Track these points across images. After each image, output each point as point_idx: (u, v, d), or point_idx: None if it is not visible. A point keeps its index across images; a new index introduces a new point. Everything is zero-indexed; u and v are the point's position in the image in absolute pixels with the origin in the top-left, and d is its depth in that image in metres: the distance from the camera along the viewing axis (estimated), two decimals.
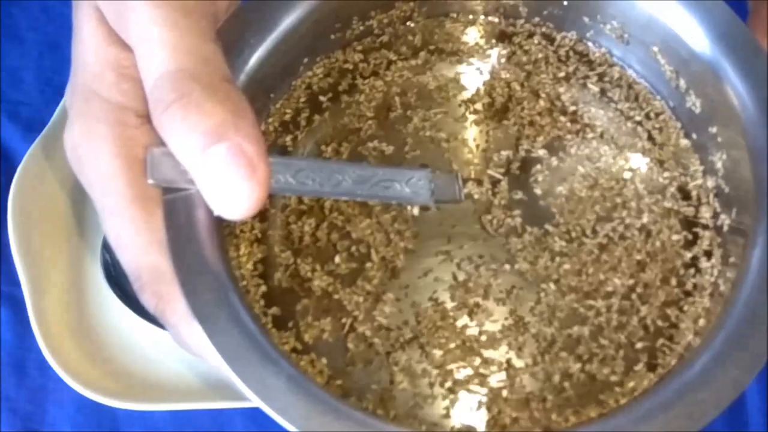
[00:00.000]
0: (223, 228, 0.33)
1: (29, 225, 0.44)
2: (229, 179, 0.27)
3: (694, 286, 0.36)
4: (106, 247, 0.44)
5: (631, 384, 0.33)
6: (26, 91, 0.50)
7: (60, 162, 0.45)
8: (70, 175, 0.45)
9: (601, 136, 0.39)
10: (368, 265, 0.36)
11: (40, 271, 0.43)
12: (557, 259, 0.36)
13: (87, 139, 0.32)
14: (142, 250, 0.31)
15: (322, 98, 0.39)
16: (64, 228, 0.45)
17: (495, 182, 0.38)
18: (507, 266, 0.36)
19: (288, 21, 0.37)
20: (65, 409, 0.44)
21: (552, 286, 0.36)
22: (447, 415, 0.34)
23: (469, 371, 0.34)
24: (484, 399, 0.34)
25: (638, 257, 0.36)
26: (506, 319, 0.35)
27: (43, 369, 0.43)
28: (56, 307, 0.43)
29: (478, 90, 0.40)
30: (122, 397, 0.41)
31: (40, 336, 0.42)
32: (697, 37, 0.36)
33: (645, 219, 0.37)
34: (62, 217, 0.45)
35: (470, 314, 0.35)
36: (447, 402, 0.34)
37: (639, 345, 0.35)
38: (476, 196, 0.37)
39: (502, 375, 0.34)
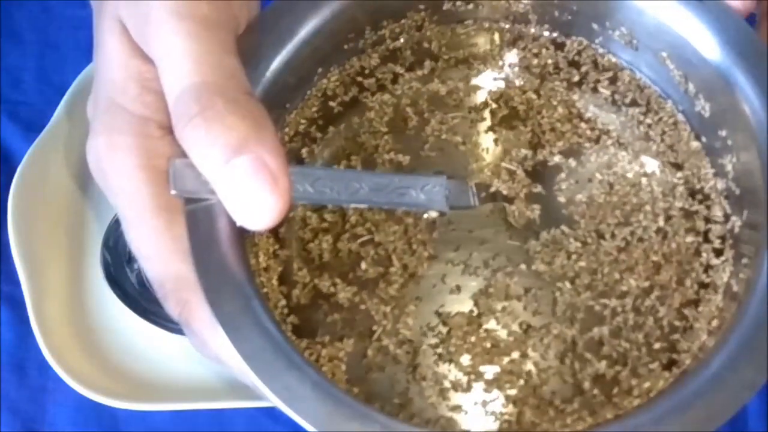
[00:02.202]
0: (244, 237, 0.33)
1: (29, 225, 0.44)
2: (252, 191, 0.28)
3: (708, 286, 0.36)
4: (107, 247, 0.44)
5: (647, 384, 0.34)
6: (26, 91, 0.50)
7: (60, 162, 0.45)
8: (69, 176, 0.46)
9: (618, 141, 0.39)
10: (392, 269, 0.36)
11: (40, 271, 0.43)
12: (573, 257, 0.36)
13: (110, 151, 0.32)
14: (166, 259, 0.32)
15: (336, 105, 0.40)
16: (64, 228, 0.45)
17: (512, 174, 0.38)
18: (523, 266, 0.36)
19: (302, 33, 0.37)
20: (65, 409, 0.44)
21: (567, 284, 0.36)
22: (468, 418, 0.34)
23: (497, 369, 0.35)
24: (509, 400, 0.34)
25: (655, 258, 0.36)
26: (521, 324, 0.35)
27: (43, 369, 0.43)
28: (56, 307, 0.43)
29: (492, 95, 0.40)
30: (122, 397, 0.41)
31: (40, 336, 0.42)
32: (705, 42, 0.36)
33: (661, 222, 0.37)
34: (62, 217, 0.45)
35: (496, 319, 0.36)
36: (470, 405, 0.34)
37: (656, 345, 0.35)
38: (504, 192, 0.38)
39: (526, 377, 0.34)
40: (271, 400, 0.29)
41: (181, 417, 0.43)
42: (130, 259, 0.44)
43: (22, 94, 0.50)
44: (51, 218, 0.45)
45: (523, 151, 0.39)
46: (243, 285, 0.31)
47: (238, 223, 0.29)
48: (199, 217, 0.31)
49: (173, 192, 0.31)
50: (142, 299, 0.43)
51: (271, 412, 0.43)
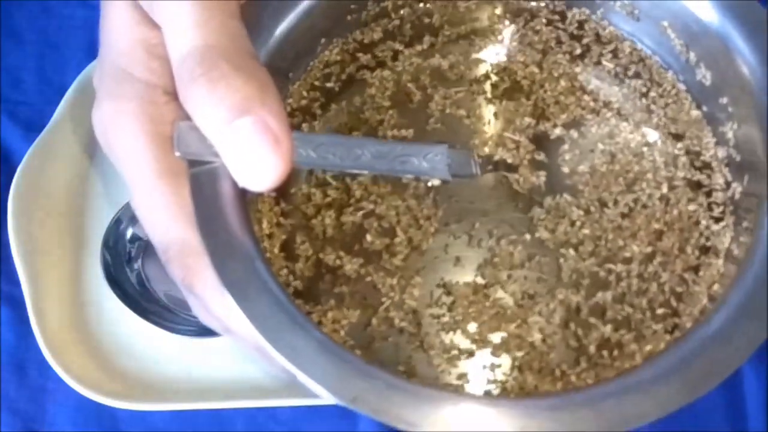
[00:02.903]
0: (247, 201, 0.34)
1: (29, 225, 0.44)
2: (254, 152, 0.28)
3: (709, 251, 0.36)
4: (107, 247, 0.44)
5: (649, 347, 0.34)
6: (26, 91, 0.50)
7: (60, 162, 0.45)
8: (69, 176, 0.46)
9: (618, 113, 0.40)
10: (396, 240, 0.37)
11: (40, 271, 0.43)
12: (577, 224, 0.37)
13: (115, 117, 0.32)
14: (170, 223, 0.32)
15: (335, 83, 0.40)
16: (64, 228, 0.45)
17: (516, 143, 0.39)
18: (527, 235, 0.37)
19: (304, 4, 0.37)
20: (65, 409, 0.44)
21: (572, 251, 0.36)
22: (473, 386, 0.35)
23: (504, 335, 0.35)
24: (514, 366, 0.35)
25: (656, 226, 0.37)
26: (527, 290, 0.36)
27: (43, 369, 0.43)
28: (56, 307, 0.43)
29: (494, 69, 0.41)
30: (122, 397, 0.41)
31: (40, 336, 0.42)
32: (706, 9, 0.37)
33: (664, 189, 0.38)
34: (62, 217, 0.45)
35: (502, 287, 0.36)
36: (477, 371, 0.35)
37: (659, 310, 0.35)
38: (509, 160, 0.38)
39: (532, 342, 0.35)
40: (277, 359, 0.29)
41: (181, 417, 0.43)
42: (130, 259, 0.44)
43: (22, 94, 0.50)
44: (51, 219, 0.45)
45: (527, 120, 0.39)
46: (247, 247, 0.31)
47: (240, 184, 0.29)
48: (203, 180, 0.32)
49: (177, 154, 0.31)
50: (142, 299, 0.43)
51: (271, 412, 0.43)
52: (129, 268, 0.44)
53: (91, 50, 0.50)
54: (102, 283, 0.43)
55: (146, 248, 0.44)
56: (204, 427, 0.43)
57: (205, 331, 0.43)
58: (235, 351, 0.43)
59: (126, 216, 0.44)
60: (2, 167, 0.47)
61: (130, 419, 0.43)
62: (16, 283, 0.43)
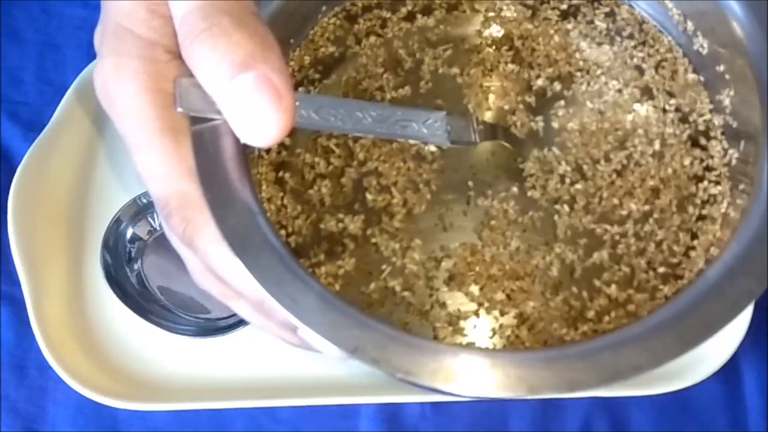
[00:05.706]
0: (249, 160, 0.34)
1: (29, 225, 0.44)
2: (256, 107, 0.28)
3: (706, 216, 0.37)
4: (106, 247, 0.44)
5: (647, 310, 0.35)
6: (26, 91, 0.50)
7: (60, 162, 0.45)
8: (69, 176, 0.46)
9: (609, 71, 0.40)
10: (394, 201, 0.38)
11: (40, 271, 0.43)
12: (567, 180, 0.38)
13: (117, 75, 0.32)
14: (171, 178, 0.32)
15: (335, 50, 0.41)
16: (64, 228, 0.45)
17: (506, 89, 0.40)
18: (515, 190, 0.38)
19: None
20: (65, 409, 0.44)
21: (566, 207, 0.37)
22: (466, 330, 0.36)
23: (505, 294, 0.36)
24: (516, 324, 0.35)
25: (652, 183, 0.37)
26: (524, 246, 0.37)
27: (43, 369, 0.43)
28: (56, 307, 0.43)
29: (485, 25, 0.41)
30: (122, 397, 0.41)
31: (40, 336, 0.42)
32: None
33: (657, 146, 0.38)
34: (62, 218, 0.45)
35: (498, 246, 0.37)
36: (480, 333, 0.35)
37: (661, 270, 0.36)
38: (506, 107, 0.39)
39: (533, 299, 0.36)
40: (278, 311, 0.30)
41: (181, 417, 0.43)
42: (130, 259, 0.44)
43: (22, 94, 0.50)
44: (51, 218, 0.45)
45: (510, 66, 0.40)
46: (249, 202, 0.32)
47: (242, 140, 0.29)
48: (205, 138, 0.32)
49: (179, 110, 0.31)
50: (142, 299, 0.43)
51: (271, 412, 0.43)
52: (129, 268, 0.44)
53: (91, 50, 0.49)
54: (102, 283, 0.43)
55: (146, 248, 0.44)
56: (204, 427, 0.43)
57: (205, 331, 0.43)
58: (235, 351, 0.43)
59: (126, 216, 0.44)
60: (2, 167, 0.47)
61: (130, 419, 0.43)
62: (16, 283, 0.43)
